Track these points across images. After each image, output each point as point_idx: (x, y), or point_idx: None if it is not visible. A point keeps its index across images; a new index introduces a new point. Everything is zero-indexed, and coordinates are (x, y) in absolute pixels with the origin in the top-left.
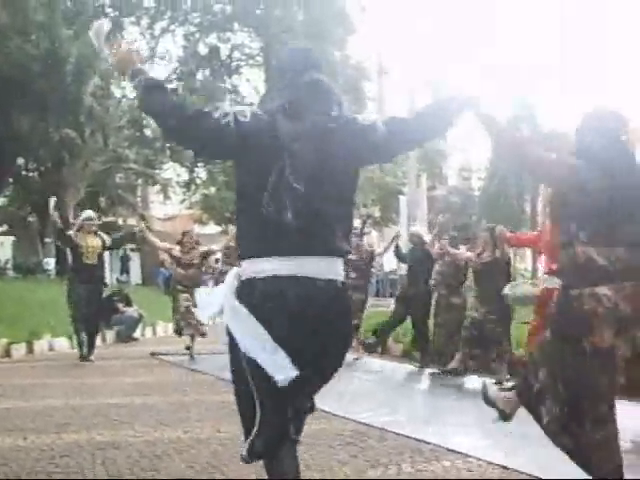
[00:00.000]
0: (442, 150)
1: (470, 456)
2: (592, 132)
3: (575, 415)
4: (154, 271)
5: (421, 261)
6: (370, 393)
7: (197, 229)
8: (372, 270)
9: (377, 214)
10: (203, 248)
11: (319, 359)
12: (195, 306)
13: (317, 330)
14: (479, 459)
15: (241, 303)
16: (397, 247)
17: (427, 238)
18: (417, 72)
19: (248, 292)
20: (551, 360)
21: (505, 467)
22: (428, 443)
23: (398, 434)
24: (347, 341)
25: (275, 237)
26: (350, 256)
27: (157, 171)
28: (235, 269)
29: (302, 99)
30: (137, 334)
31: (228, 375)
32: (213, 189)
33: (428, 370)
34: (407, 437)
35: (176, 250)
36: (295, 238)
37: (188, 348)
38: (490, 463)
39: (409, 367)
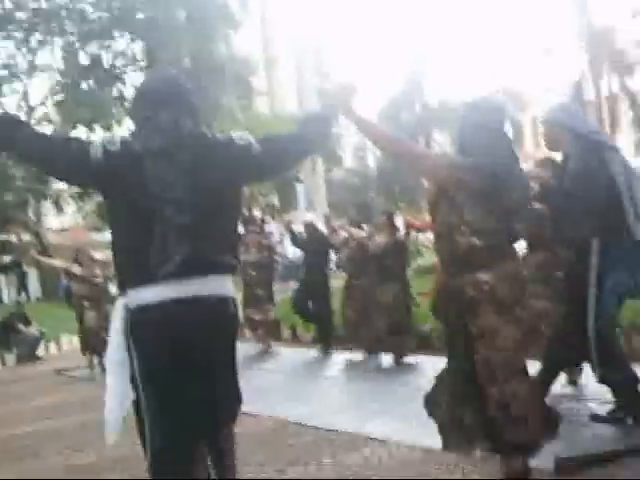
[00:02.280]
0: (335, 132)
1: (389, 442)
2: (473, 126)
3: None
4: (54, 284)
5: (317, 248)
6: (283, 385)
7: (95, 236)
8: (275, 265)
9: (276, 202)
10: (100, 261)
11: (212, 380)
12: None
13: (207, 350)
14: (398, 444)
15: (131, 334)
16: (292, 234)
17: (321, 225)
18: (307, 63)
19: (138, 321)
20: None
21: (426, 450)
22: (346, 433)
23: (316, 428)
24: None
25: (158, 263)
26: (251, 257)
27: (48, 185)
28: (121, 300)
29: (169, 137)
30: (41, 352)
31: None
32: None
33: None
34: (325, 430)
35: (75, 268)
36: (179, 262)
37: (102, 365)
38: (410, 447)
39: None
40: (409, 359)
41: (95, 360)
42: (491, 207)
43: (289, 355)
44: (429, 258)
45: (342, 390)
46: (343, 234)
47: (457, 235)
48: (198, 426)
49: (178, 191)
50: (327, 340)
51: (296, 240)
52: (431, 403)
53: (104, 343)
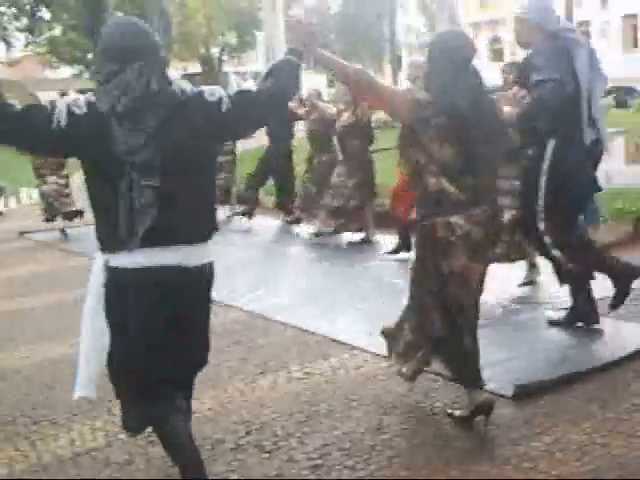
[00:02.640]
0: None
1: (356, 347)
2: (435, 62)
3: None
4: None
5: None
6: (249, 265)
7: (48, 73)
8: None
9: (233, 41)
10: None
11: (182, 346)
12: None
13: (179, 315)
14: (365, 351)
15: (107, 293)
16: None
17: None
18: None
19: (114, 282)
20: (417, 285)
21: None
22: (314, 335)
23: (283, 324)
24: (206, 324)
25: (127, 231)
26: None
27: None
28: (100, 258)
29: (135, 97)
30: (0, 207)
31: None
32: (58, 30)
33: (303, 230)
34: (292, 327)
35: None
36: (147, 231)
37: (63, 230)
38: (375, 356)
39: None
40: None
41: (61, 223)
42: (459, 144)
43: (252, 224)
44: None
45: (308, 274)
46: (308, 105)
47: (427, 175)
48: (168, 378)
49: (144, 152)
50: (289, 211)
51: None
52: (390, 336)
53: (68, 205)
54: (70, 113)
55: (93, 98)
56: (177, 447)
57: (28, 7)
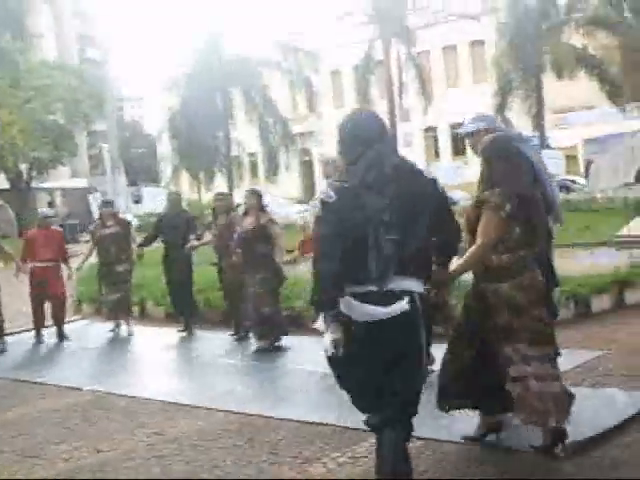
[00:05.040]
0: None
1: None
2: (496, 159)
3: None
4: None
5: (178, 225)
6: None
7: None
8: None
9: (45, 156)
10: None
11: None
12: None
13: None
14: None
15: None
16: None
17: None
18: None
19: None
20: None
21: None
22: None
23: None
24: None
25: (384, 274)
26: (110, 230)
27: None
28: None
29: (377, 172)
30: None
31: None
32: None
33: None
34: None
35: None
36: (392, 271)
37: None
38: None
39: (174, 332)
40: (282, 342)
41: None
42: (523, 227)
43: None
44: None
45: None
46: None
47: (492, 253)
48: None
49: (387, 213)
50: (186, 321)
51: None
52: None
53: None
54: (324, 207)
55: (340, 185)
56: (380, 456)
57: None
